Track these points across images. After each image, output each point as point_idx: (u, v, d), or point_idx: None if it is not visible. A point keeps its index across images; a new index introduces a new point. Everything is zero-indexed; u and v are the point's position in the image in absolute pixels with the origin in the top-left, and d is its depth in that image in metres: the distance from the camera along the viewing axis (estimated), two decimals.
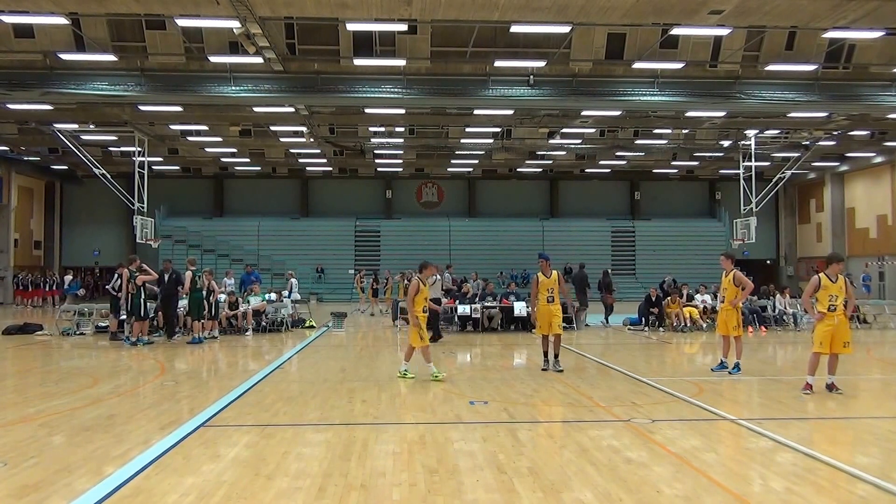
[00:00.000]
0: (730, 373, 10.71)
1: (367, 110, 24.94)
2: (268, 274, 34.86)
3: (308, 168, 39.24)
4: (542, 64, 19.87)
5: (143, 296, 14.97)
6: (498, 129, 29.68)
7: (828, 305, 8.86)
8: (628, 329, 19.23)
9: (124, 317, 15.52)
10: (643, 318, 19.26)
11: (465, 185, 43.27)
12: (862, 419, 7.98)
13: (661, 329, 18.72)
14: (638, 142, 31.79)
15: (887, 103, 21.87)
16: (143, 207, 28.70)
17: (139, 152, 28.38)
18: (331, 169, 39.29)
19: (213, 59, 19.11)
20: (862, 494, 5.06)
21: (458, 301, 18.95)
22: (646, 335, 17.71)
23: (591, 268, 40.71)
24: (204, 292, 15.78)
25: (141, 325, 15.04)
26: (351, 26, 17.42)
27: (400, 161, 37.05)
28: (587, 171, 40.61)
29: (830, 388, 8.99)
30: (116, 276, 15.96)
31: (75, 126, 27.49)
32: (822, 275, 9.02)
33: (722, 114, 25.75)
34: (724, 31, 18.28)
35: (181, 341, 15.43)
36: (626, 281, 39.38)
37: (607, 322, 20.09)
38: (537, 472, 5.55)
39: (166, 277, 15.62)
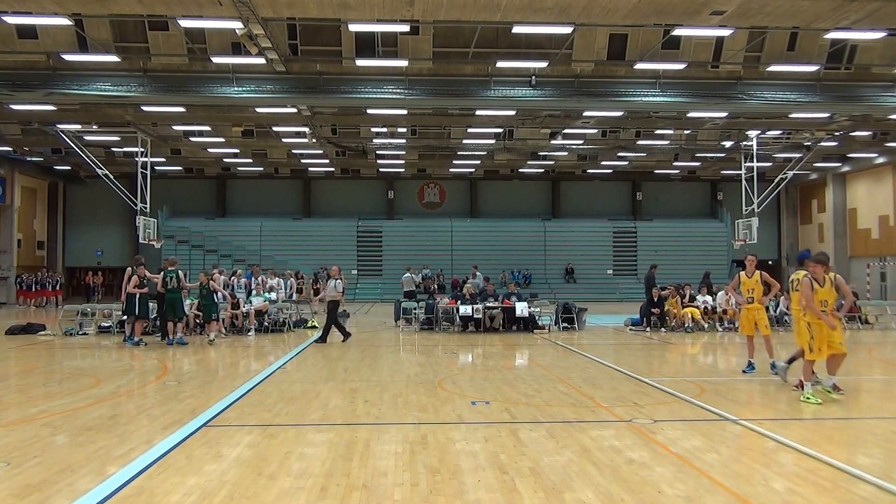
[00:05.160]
0: (743, 371, 10.88)
1: (369, 111, 24.95)
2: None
3: (310, 168, 39.26)
4: (544, 65, 19.88)
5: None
6: (500, 130, 29.69)
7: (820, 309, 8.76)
8: (630, 329, 19.23)
9: (125, 317, 15.53)
10: (645, 319, 19.27)
11: (466, 186, 43.28)
12: (863, 420, 7.99)
13: (662, 329, 18.72)
14: (640, 142, 31.78)
15: (889, 104, 21.85)
16: (145, 208, 28.75)
17: (142, 153, 28.43)
18: (333, 169, 39.31)
19: (216, 59, 19.14)
20: (863, 495, 5.06)
21: (459, 301, 18.96)
22: (647, 335, 17.71)
23: (592, 268, 40.98)
24: (203, 292, 15.81)
25: (141, 324, 15.04)
26: (353, 27, 17.44)
27: (402, 162, 37.05)
28: (589, 171, 40.58)
29: (832, 388, 8.97)
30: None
31: (78, 127, 27.55)
32: (811, 280, 8.78)
33: (724, 114, 25.75)
34: (725, 32, 18.26)
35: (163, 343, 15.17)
36: (627, 281, 39.45)
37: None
38: (539, 472, 5.56)
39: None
